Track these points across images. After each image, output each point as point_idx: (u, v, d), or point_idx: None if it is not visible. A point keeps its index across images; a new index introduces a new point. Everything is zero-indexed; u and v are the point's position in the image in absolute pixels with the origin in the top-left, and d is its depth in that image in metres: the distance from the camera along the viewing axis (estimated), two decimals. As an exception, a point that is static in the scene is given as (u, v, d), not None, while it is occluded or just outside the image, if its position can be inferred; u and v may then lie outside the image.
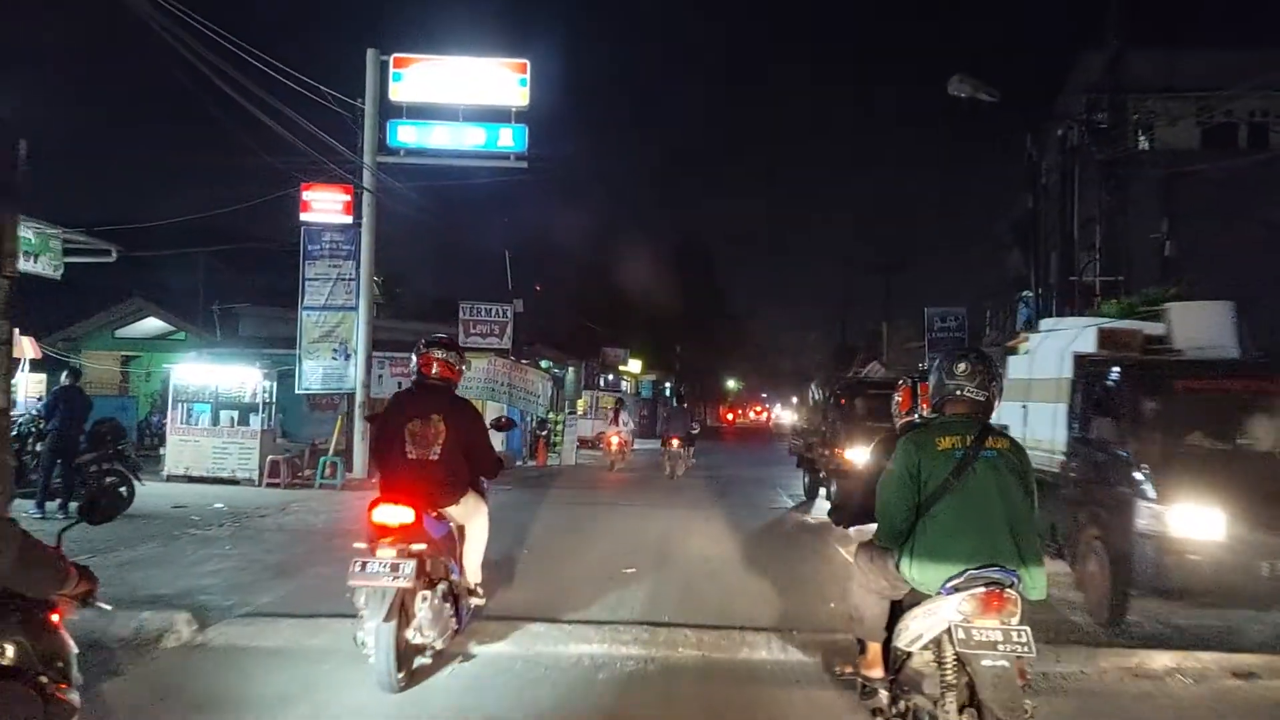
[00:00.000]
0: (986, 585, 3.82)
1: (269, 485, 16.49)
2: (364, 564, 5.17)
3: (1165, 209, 19.35)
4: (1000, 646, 3.73)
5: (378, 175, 17.91)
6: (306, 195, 17.82)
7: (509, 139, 17.90)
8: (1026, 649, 3.76)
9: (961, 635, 3.77)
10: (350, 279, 17.94)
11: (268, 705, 5.33)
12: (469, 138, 17.95)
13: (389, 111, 17.87)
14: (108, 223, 17.83)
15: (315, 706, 5.36)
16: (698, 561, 10.15)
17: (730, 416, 78.46)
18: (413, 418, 5.61)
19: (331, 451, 17.65)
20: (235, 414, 16.89)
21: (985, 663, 3.72)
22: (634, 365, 43.66)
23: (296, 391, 18.12)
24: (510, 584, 8.32)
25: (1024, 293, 30.43)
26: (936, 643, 3.93)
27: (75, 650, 2.96)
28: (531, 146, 18.11)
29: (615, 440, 25.32)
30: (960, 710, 3.82)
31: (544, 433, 27.59)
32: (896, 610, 4.26)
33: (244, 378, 16.93)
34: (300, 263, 18.01)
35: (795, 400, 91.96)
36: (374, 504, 5.49)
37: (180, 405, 16.94)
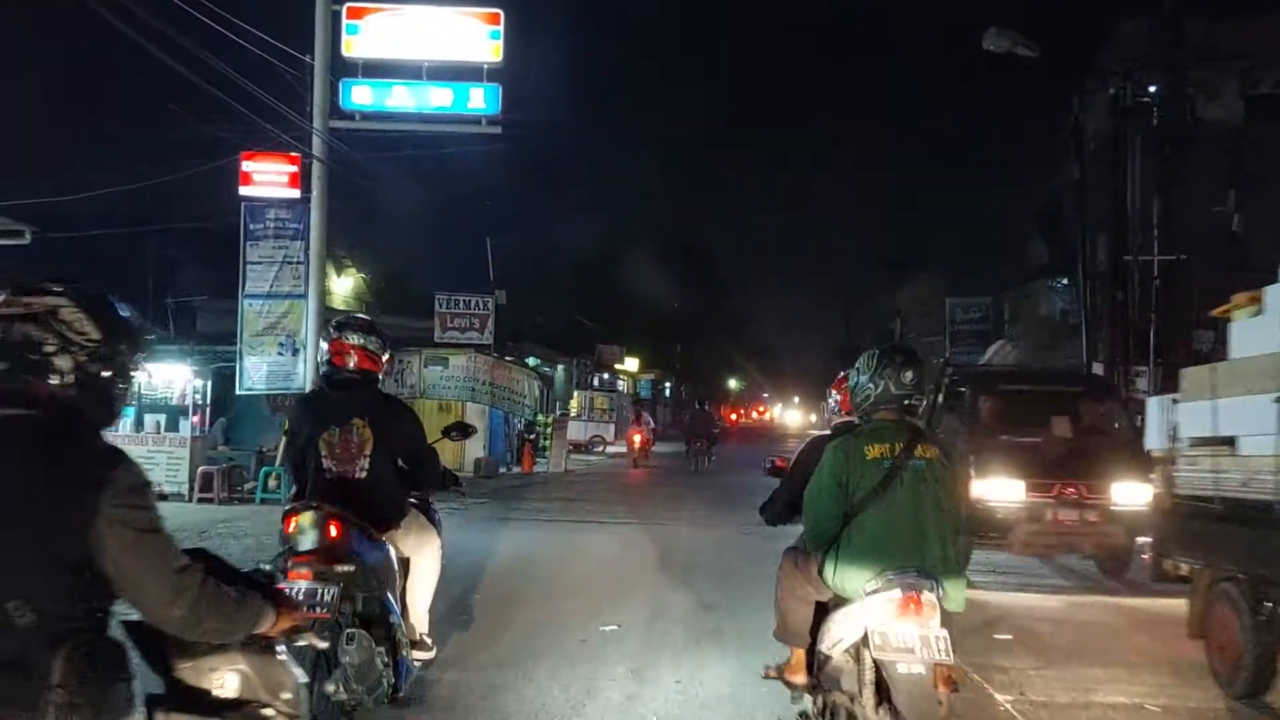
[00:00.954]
0: (905, 589, 3.66)
1: (201, 501, 14.19)
2: None
3: (1229, 180, 17.04)
4: (917, 651, 3.61)
5: (330, 143, 15.56)
6: (246, 166, 15.47)
7: (480, 100, 15.58)
8: (944, 654, 3.61)
9: (878, 640, 3.64)
10: (298, 262, 15.59)
11: None
12: (434, 99, 15.64)
13: (342, 69, 15.55)
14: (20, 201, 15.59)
15: None
16: (702, 613, 7.77)
17: (734, 417, 76.22)
18: (328, 425, 4.54)
19: (279, 460, 15.28)
20: (163, 418, 14.57)
21: (901, 669, 3.61)
22: (631, 364, 41.25)
23: (238, 391, 15.79)
24: (441, 654, 5.92)
25: (1051, 281, 28.11)
26: (856, 646, 3.78)
27: (303, 680, 2.58)
28: (508, 109, 15.82)
29: (638, 439, 26.52)
30: (877, 706, 3.69)
31: (531, 436, 25.28)
32: (823, 614, 4.06)
33: (171, 376, 14.60)
34: (241, 244, 15.69)
35: (798, 400, 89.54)
36: (289, 515, 4.37)
37: (99, 408, 14.60)
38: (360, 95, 15.56)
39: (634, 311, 41.90)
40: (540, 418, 26.80)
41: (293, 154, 15.48)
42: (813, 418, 59.52)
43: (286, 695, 2.47)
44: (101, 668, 2.04)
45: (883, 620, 3.63)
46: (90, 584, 2.05)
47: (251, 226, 15.66)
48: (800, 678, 4.23)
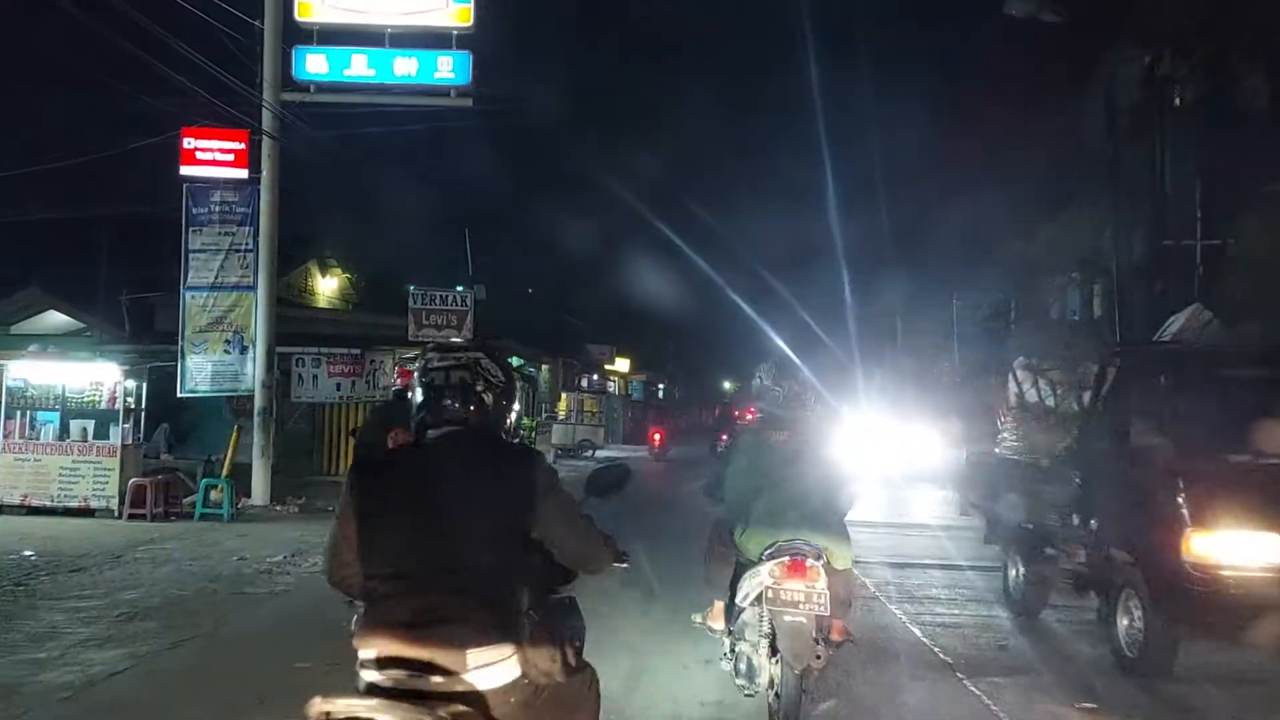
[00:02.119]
0: (792, 555, 4.50)
1: (132, 517, 12.55)
2: None
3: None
4: (801, 605, 4.44)
5: (282, 117, 14.02)
6: (188, 143, 13.90)
7: (449, 70, 14.07)
8: (822, 608, 4.44)
9: (770, 595, 4.49)
10: (246, 249, 14.05)
11: None
12: (398, 68, 14.14)
13: (295, 36, 14.03)
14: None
15: None
16: (693, 689, 6.19)
17: (728, 419, 74.74)
18: None
19: (225, 471, 13.72)
20: (91, 424, 12.95)
21: (786, 618, 4.46)
22: (622, 364, 39.65)
23: (179, 394, 14.20)
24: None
25: (1061, 278, 26.56)
26: (759, 600, 4.57)
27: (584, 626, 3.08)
28: (481, 81, 14.28)
29: (658, 436, 30.00)
30: (771, 655, 4.57)
31: (515, 441, 23.64)
32: (740, 573, 4.77)
33: (99, 376, 12.99)
34: (182, 229, 14.12)
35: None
36: None
37: (20, 413, 12.98)
38: (315, 64, 14.04)
39: (626, 309, 40.26)
40: (525, 421, 25.21)
41: (240, 129, 13.94)
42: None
43: (578, 642, 2.94)
44: (552, 602, 2.85)
45: (776, 579, 4.47)
46: (527, 543, 2.69)
47: (194, 210, 14.09)
48: (719, 623, 5.04)
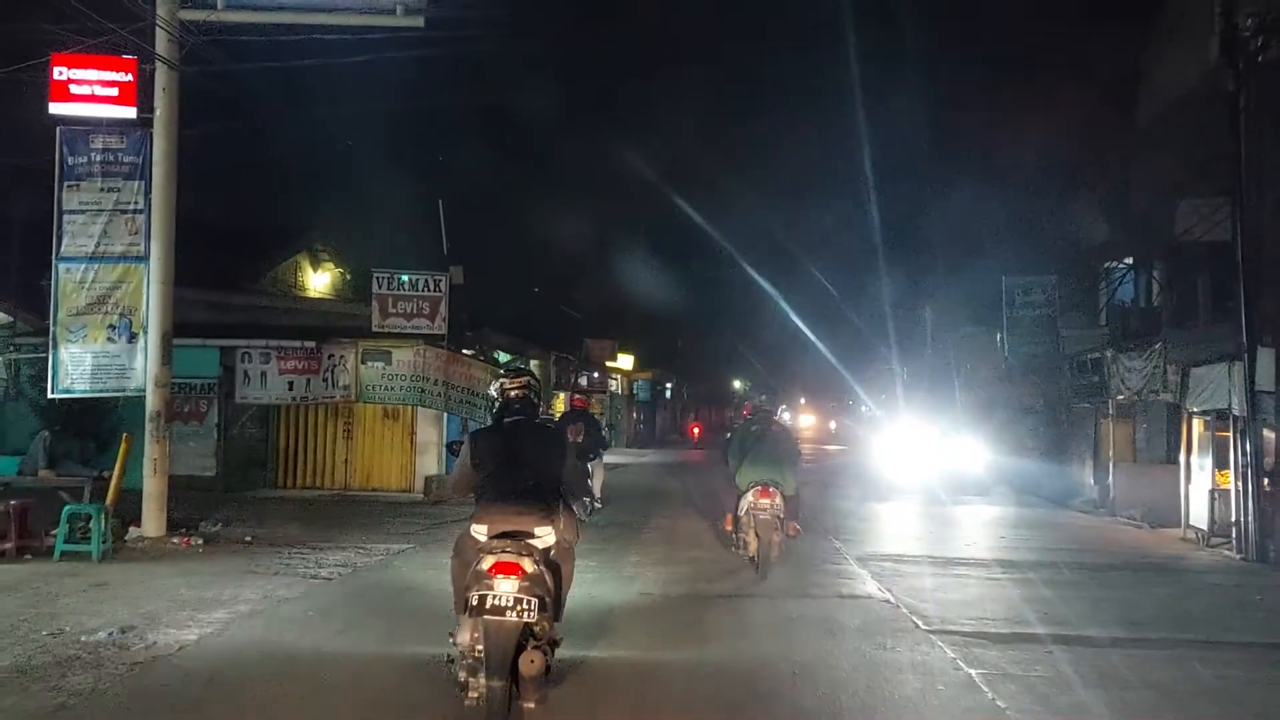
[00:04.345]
0: (761, 486, 9.77)
1: (-29, 556, 9.55)
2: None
3: None
4: (767, 511, 9.66)
5: (182, 41, 10.99)
6: (60, 73, 10.84)
7: (394, -18, 11.00)
8: (780, 512, 9.74)
9: (751, 506, 9.78)
10: (136, 210, 11.03)
11: None
12: (329, -20, 11.05)
13: (199, -63, 10.98)
14: None
15: None
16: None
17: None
18: None
19: (110, 494, 10.72)
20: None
21: (760, 516, 9.66)
22: (625, 361, 36.50)
23: (50, 393, 11.17)
24: None
25: (1112, 263, 23.36)
26: (747, 511, 9.84)
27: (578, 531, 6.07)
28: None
29: (696, 430, 42.50)
30: (755, 537, 9.70)
31: (500, 448, 20.57)
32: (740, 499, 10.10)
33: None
34: (55, 185, 11.10)
35: (803, 400, 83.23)
36: None
37: None
38: (223, -28, 10.99)
39: (631, 302, 37.09)
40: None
41: (127, 57, 10.91)
42: (832, 424, 53.93)
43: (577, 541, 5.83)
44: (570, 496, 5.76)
45: (753, 498, 9.74)
46: (559, 474, 5.44)
47: (70, 161, 11.07)
48: (730, 527, 10.36)
